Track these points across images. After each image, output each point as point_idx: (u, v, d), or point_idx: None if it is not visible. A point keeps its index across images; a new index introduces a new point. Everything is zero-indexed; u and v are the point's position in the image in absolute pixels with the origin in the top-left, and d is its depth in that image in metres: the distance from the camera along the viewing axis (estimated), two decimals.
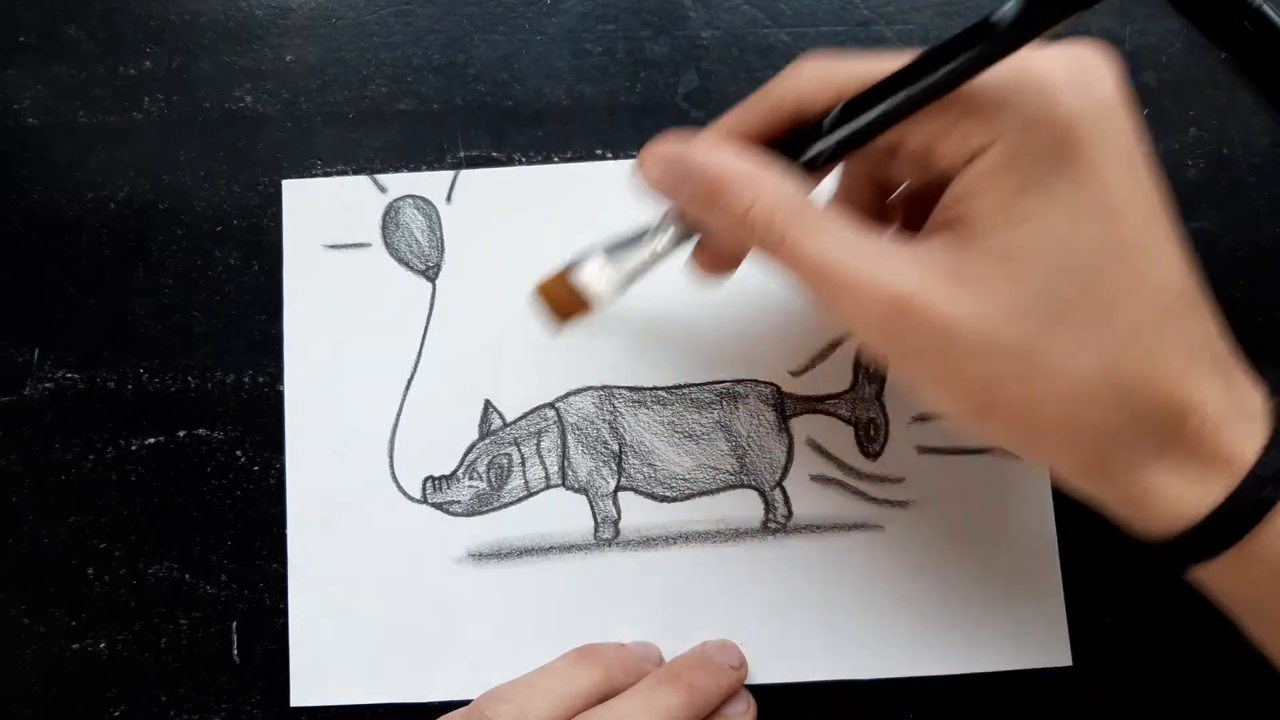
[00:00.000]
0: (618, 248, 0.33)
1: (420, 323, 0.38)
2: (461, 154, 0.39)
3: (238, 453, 0.37)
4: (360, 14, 0.39)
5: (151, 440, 0.37)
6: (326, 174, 0.39)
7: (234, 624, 0.36)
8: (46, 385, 0.38)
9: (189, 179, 0.39)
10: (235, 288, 0.38)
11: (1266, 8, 0.37)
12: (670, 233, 0.32)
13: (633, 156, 0.38)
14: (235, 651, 0.36)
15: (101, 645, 0.37)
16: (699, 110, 0.38)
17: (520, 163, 0.38)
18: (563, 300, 0.34)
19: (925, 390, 0.29)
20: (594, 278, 0.33)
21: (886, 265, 0.27)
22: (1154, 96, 0.38)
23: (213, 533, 0.37)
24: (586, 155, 0.38)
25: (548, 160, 0.38)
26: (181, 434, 0.37)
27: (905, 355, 0.28)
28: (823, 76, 0.29)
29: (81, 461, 0.37)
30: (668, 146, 0.29)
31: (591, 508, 0.37)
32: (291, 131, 0.39)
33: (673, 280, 0.37)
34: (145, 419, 0.37)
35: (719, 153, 0.29)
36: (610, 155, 0.38)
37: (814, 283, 0.28)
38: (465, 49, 0.39)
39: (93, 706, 0.36)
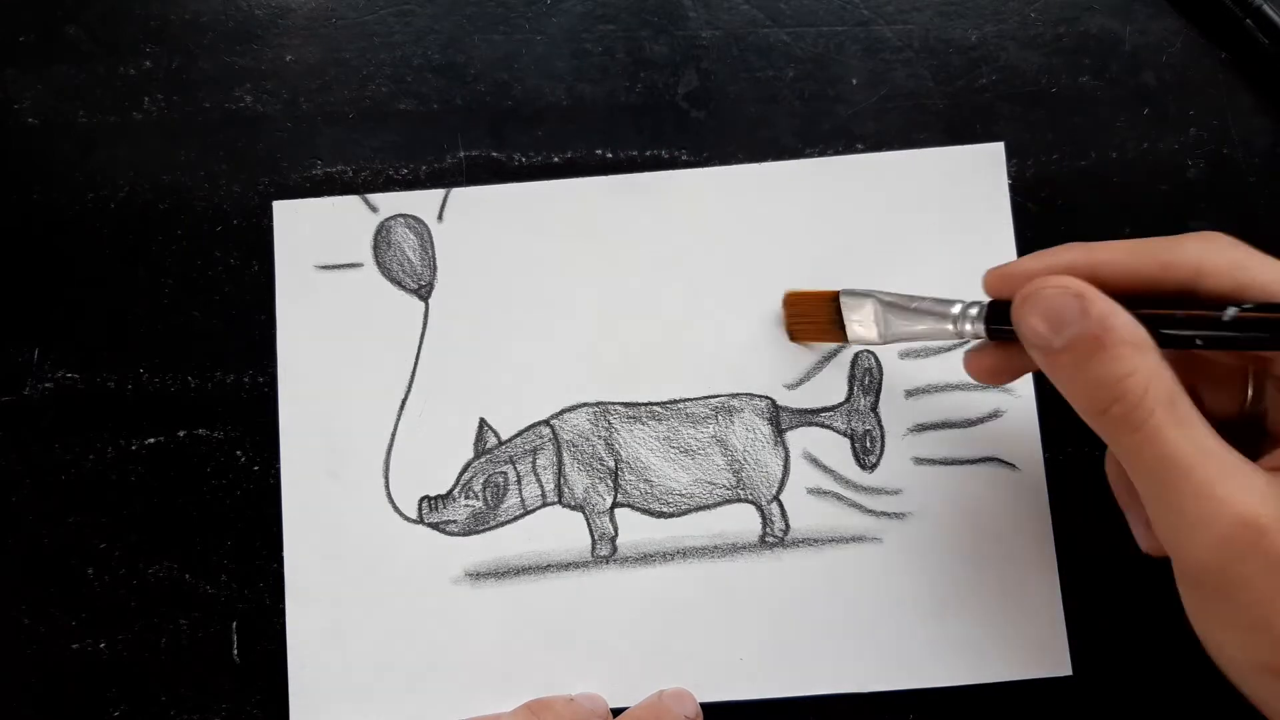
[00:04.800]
0: (896, 307, 0.33)
1: (414, 342, 0.38)
2: (461, 154, 0.39)
3: (237, 453, 0.37)
4: (360, 14, 0.39)
5: (151, 440, 0.37)
6: (327, 173, 0.39)
7: (234, 624, 0.36)
8: (46, 385, 0.38)
9: (189, 179, 0.39)
10: (235, 288, 0.38)
11: (1267, 7, 0.37)
12: (970, 330, 0.31)
13: (632, 156, 0.38)
14: (235, 651, 0.36)
15: (101, 645, 0.37)
16: (699, 110, 0.38)
17: (520, 162, 0.38)
18: (812, 321, 0.34)
19: (1231, 630, 0.27)
20: (864, 326, 0.34)
21: (1243, 484, 0.25)
22: (1154, 96, 0.38)
23: (213, 533, 0.37)
24: (586, 155, 0.38)
25: (548, 160, 0.38)
26: (181, 434, 0.37)
27: (1231, 583, 0.26)
28: (1235, 262, 0.27)
29: (81, 461, 0.37)
30: (1066, 281, 0.27)
31: (589, 525, 0.37)
32: (291, 131, 0.39)
33: (665, 294, 0.37)
34: (145, 419, 0.37)
35: (1115, 308, 0.26)
36: (610, 155, 0.38)
37: (1161, 476, 0.26)
38: (465, 49, 0.39)
39: (93, 706, 0.36)
